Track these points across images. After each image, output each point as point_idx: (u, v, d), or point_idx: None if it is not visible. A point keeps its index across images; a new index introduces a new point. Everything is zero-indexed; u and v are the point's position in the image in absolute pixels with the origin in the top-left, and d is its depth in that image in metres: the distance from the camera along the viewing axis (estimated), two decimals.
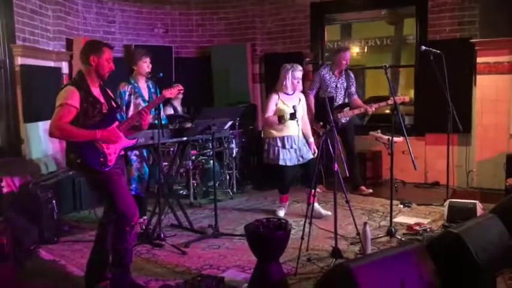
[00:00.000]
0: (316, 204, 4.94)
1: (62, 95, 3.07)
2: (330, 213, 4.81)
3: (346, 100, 5.93)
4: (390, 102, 5.05)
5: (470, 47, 5.85)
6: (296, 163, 4.95)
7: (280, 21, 7.38)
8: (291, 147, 4.91)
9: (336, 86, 5.88)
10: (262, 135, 5.17)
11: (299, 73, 4.94)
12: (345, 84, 5.91)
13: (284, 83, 4.95)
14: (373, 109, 5.66)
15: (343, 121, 5.84)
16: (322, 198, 5.51)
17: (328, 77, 5.88)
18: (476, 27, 5.99)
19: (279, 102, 4.92)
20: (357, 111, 5.78)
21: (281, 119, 4.79)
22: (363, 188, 5.96)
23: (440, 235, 3.27)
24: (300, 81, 5.00)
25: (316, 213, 4.90)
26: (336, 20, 8.55)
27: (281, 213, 5.10)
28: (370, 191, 5.91)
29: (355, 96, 5.94)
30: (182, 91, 4.07)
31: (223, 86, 7.49)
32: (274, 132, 4.94)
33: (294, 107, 4.75)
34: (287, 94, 4.97)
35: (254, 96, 7.53)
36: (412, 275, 2.65)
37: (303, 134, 5.01)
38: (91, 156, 3.07)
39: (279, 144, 4.91)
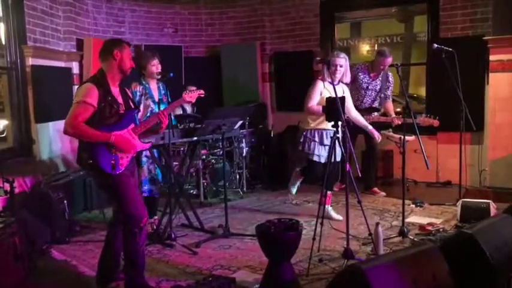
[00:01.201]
0: (327, 207, 4.85)
1: (80, 92, 3.03)
2: (341, 218, 4.74)
3: (377, 103, 5.79)
4: (418, 121, 4.97)
5: (483, 45, 5.77)
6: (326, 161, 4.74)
7: (290, 19, 7.35)
8: (328, 144, 4.68)
9: (367, 87, 5.75)
10: (298, 125, 5.04)
11: (338, 60, 4.64)
12: (378, 87, 5.77)
13: (323, 70, 4.70)
14: (400, 122, 5.44)
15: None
16: (334, 198, 5.47)
17: (361, 77, 5.73)
18: (489, 24, 5.91)
19: (324, 91, 4.67)
20: (383, 119, 5.64)
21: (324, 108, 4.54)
22: (376, 189, 5.89)
23: (454, 235, 3.24)
24: (341, 69, 4.65)
25: (327, 216, 4.86)
26: (346, 18, 8.53)
27: (293, 190, 5.19)
28: (384, 194, 5.80)
29: (389, 100, 5.82)
30: (203, 95, 4.03)
31: (232, 85, 7.48)
32: (312, 124, 4.74)
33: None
34: (332, 84, 4.81)
35: (264, 95, 7.51)
36: (426, 276, 2.62)
37: (357, 127, 4.90)
38: (102, 158, 3.04)
39: (317, 139, 4.73)
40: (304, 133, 4.80)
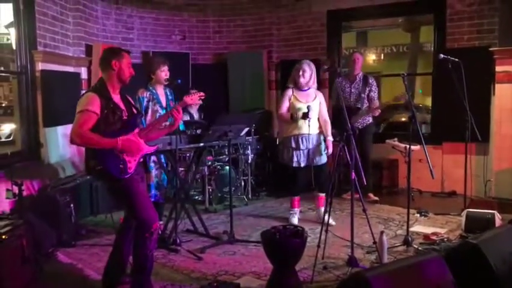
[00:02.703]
0: (322, 209, 4.98)
1: (82, 102, 3.10)
2: (334, 223, 4.83)
3: (365, 105, 5.89)
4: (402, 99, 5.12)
5: (489, 56, 5.79)
6: (307, 164, 4.88)
7: (297, 28, 7.40)
8: (305, 148, 4.87)
9: (350, 91, 5.92)
10: (277, 135, 5.10)
11: (303, 65, 4.89)
12: (360, 89, 5.89)
13: (291, 78, 4.99)
14: (379, 111, 5.77)
15: (359, 125, 5.82)
16: (339, 206, 5.49)
17: (343, 83, 5.93)
18: (496, 35, 5.93)
19: (292, 98, 4.90)
20: (364, 113, 5.81)
21: (293, 115, 4.80)
22: (370, 195, 5.94)
23: (459, 245, 3.23)
24: (305, 75, 4.87)
25: (321, 217, 4.91)
26: (353, 28, 8.59)
27: (294, 220, 5.04)
28: (376, 198, 5.91)
29: (375, 101, 5.90)
30: (203, 97, 4.09)
31: (239, 93, 7.53)
32: (287, 131, 4.92)
33: (308, 106, 4.74)
34: (301, 90, 4.94)
35: (270, 102, 7.55)
36: (429, 285, 2.63)
37: (321, 132, 4.96)
38: (111, 163, 3.08)
39: (293, 145, 4.87)
40: (281, 141, 4.96)
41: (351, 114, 5.73)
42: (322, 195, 5.04)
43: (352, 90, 5.92)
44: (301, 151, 4.87)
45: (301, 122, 4.82)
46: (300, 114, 4.76)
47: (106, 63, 3.21)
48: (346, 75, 6.07)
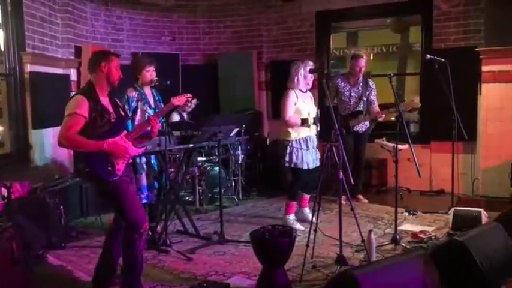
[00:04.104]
0: (306, 209, 5.07)
1: (71, 105, 3.11)
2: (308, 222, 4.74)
3: (360, 108, 5.85)
4: (402, 108, 4.95)
5: (476, 56, 5.87)
6: (313, 166, 4.87)
7: (286, 29, 7.44)
8: (313, 148, 4.85)
9: (350, 94, 5.83)
10: (279, 138, 4.92)
11: (309, 65, 4.82)
12: (360, 92, 5.83)
13: (297, 79, 4.80)
14: (383, 116, 5.66)
15: (358, 129, 5.80)
16: (327, 205, 5.53)
17: (342, 86, 5.84)
18: (482, 36, 6.01)
19: (297, 101, 4.77)
20: (366, 118, 5.77)
21: (304, 122, 4.71)
22: (360, 196, 5.97)
23: (445, 243, 3.29)
24: (313, 77, 4.90)
25: (305, 217, 4.97)
26: (342, 28, 8.61)
27: (299, 225, 4.81)
28: (366, 200, 5.92)
29: (374, 105, 5.88)
30: (190, 98, 4.11)
31: (229, 94, 7.55)
32: (295, 134, 4.76)
33: (317, 112, 4.75)
34: (301, 91, 4.87)
35: (260, 103, 7.59)
36: (417, 282, 2.67)
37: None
38: (99, 165, 3.10)
39: (303, 146, 4.77)
40: (289, 144, 4.77)
41: (351, 118, 5.77)
42: (307, 196, 5.09)
43: (352, 93, 5.82)
44: (310, 151, 4.82)
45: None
46: (312, 120, 4.71)
47: (95, 65, 3.22)
48: (346, 77, 5.93)
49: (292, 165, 4.80)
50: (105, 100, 3.24)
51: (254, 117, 6.99)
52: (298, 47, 7.35)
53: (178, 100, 4.01)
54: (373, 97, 5.90)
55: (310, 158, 4.82)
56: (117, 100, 3.43)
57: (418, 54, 7.39)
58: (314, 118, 4.75)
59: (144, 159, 4.52)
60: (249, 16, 7.61)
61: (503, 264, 3.06)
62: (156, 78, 4.55)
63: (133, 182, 3.38)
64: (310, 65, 4.83)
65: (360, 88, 5.85)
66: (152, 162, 4.58)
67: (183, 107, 5.81)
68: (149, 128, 3.43)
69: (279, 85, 7.34)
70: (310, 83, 4.90)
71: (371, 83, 5.95)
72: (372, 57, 11.52)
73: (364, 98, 5.85)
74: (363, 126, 5.86)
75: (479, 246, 2.97)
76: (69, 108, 3.09)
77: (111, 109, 3.25)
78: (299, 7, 7.32)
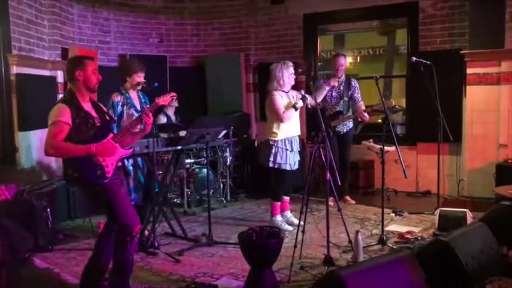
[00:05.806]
0: (288, 212, 5.07)
1: (53, 113, 3.10)
2: (291, 228, 4.79)
3: (340, 107, 5.88)
4: (379, 108, 5.02)
5: (460, 58, 5.96)
6: (295, 168, 4.91)
7: (274, 31, 7.47)
8: (297, 150, 4.89)
9: (331, 94, 5.86)
10: (266, 138, 4.91)
11: (292, 69, 4.90)
12: (341, 92, 5.86)
13: (281, 81, 4.84)
14: (367, 116, 5.69)
15: (339, 130, 5.83)
16: (316, 206, 5.55)
17: (324, 86, 5.77)
18: (466, 38, 6.10)
19: (283, 101, 4.82)
20: (347, 118, 5.81)
21: (295, 105, 4.74)
22: (347, 198, 6.00)
23: (430, 243, 3.33)
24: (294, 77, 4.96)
25: (289, 221, 4.98)
26: (329, 31, 8.66)
27: (287, 226, 4.86)
28: (353, 202, 5.95)
29: (360, 103, 5.87)
30: (175, 97, 4.10)
31: (217, 96, 7.56)
32: (281, 134, 4.80)
33: (301, 91, 4.81)
34: (284, 92, 4.90)
35: (248, 105, 7.60)
36: (403, 282, 2.71)
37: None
38: (88, 169, 3.09)
39: (288, 147, 4.81)
40: (275, 144, 4.80)
41: (333, 118, 5.81)
42: (287, 198, 5.09)
43: (333, 93, 5.86)
44: (293, 153, 4.86)
45: (291, 124, 4.82)
46: (299, 101, 4.74)
47: (70, 74, 3.21)
48: (328, 78, 5.92)
49: (276, 166, 4.82)
50: (87, 105, 3.23)
51: (242, 119, 7.01)
52: (286, 49, 7.38)
53: (163, 100, 4.00)
54: (357, 95, 5.92)
55: (292, 160, 4.86)
56: (101, 105, 3.42)
57: (404, 56, 7.47)
58: (302, 96, 4.74)
59: (131, 160, 4.50)
60: (237, 18, 7.63)
61: (488, 264, 3.11)
62: (143, 80, 4.55)
63: (123, 184, 3.38)
64: (291, 65, 4.89)
65: (341, 88, 5.88)
66: (139, 164, 4.57)
67: (166, 106, 5.79)
68: (141, 126, 3.43)
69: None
70: (293, 82, 4.95)
71: (354, 82, 5.99)
72: (358, 59, 11.61)
73: (346, 98, 5.88)
74: (344, 127, 5.86)
75: (464, 246, 3.01)
76: (52, 117, 3.08)
77: (94, 114, 3.24)
78: (286, 10, 7.37)
